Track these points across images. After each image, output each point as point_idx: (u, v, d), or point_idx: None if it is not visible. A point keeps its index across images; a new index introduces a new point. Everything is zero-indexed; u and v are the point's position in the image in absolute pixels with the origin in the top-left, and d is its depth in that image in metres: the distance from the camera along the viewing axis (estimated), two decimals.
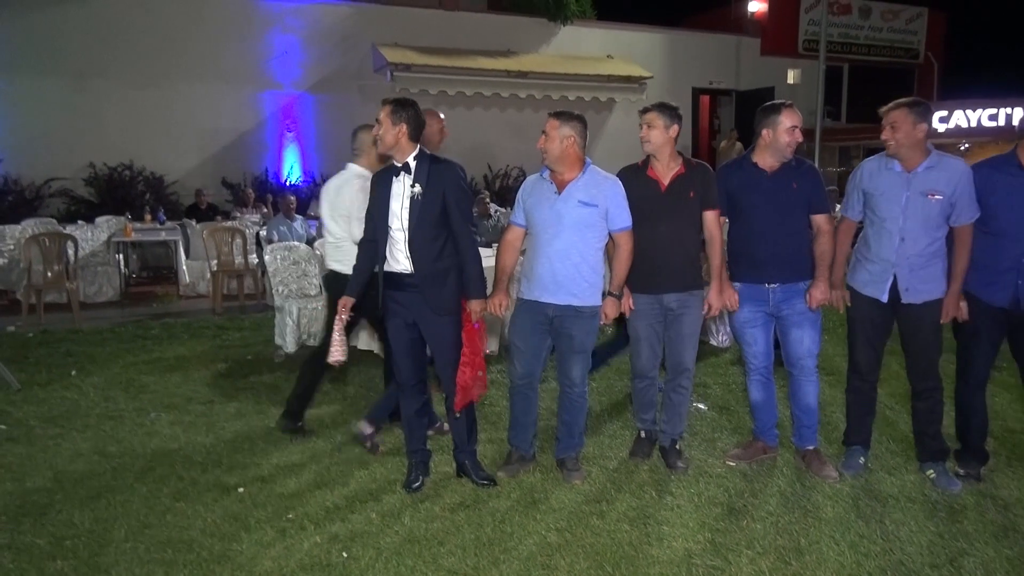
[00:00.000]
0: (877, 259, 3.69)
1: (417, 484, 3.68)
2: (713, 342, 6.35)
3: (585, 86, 14.04)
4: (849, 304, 3.81)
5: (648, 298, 3.77)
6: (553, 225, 3.56)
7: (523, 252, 3.87)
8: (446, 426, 4.09)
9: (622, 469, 3.93)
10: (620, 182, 3.67)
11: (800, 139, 3.68)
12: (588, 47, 15.20)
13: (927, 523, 3.36)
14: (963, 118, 16.02)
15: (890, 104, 3.63)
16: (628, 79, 14.38)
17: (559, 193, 3.56)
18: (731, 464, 3.97)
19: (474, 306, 3.55)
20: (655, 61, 15.56)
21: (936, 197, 3.54)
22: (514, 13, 15.10)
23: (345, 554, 3.08)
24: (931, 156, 3.59)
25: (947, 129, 16.18)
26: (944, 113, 16.18)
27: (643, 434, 4.10)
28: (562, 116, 3.57)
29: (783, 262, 3.72)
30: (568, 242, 3.55)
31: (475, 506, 3.50)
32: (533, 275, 3.64)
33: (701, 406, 4.89)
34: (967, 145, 16.42)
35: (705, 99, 17.31)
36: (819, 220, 3.75)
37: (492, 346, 5.72)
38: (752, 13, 17.25)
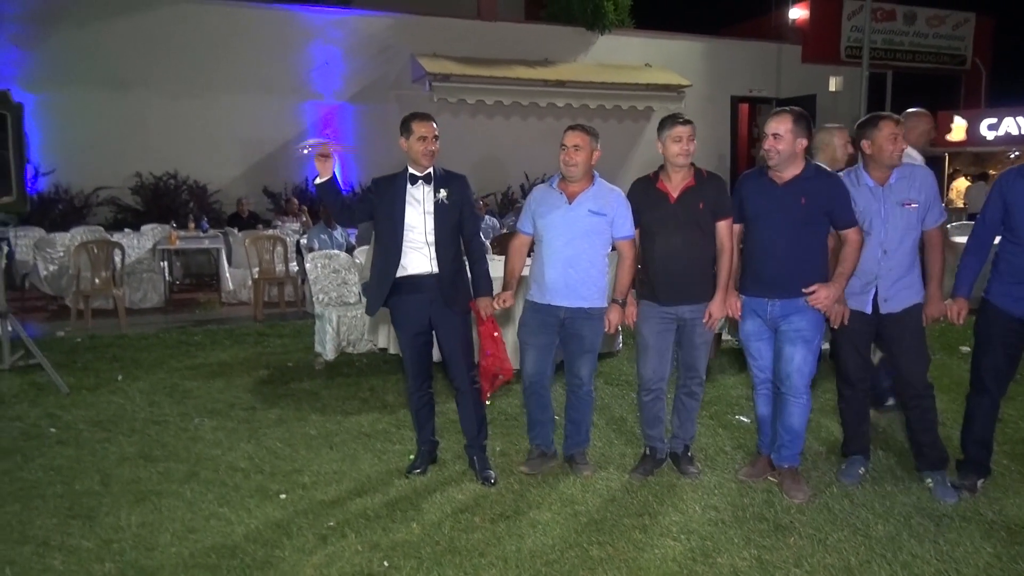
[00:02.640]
0: (860, 272, 3.62)
1: (420, 470, 3.95)
2: None
3: (623, 95, 13.99)
4: (846, 322, 3.68)
5: (659, 308, 3.77)
6: (565, 232, 3.72)
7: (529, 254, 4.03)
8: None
9: (664, 482, 3.87)
10: (623, 193, 3.80)
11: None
12: (626, 56, 15.15)
13: (984, 544, 3.24)
14: (1013, 125, 15.60)
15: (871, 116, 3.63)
16: (666, 87, 14.30)
17: (570, 203, 3.73)
18: (744, 481, 3.87)
19: (483, 302, 3.77)
20: (694, 69, 15.44)
21: (912, 206, 3.55)
22: (552, 23, 15.12)
23: (386, 563, 3.07)
24: (899, 168, 3.58)
25: (996, 137, 15.78)
26: (993, 120, 15.79)
27: (647, 451, 4.03)
28: (589, 130, 3.75)
29: (787, 280, 3.57)
30: (579, 248, 3.71)
31: (515, 517, 3.48)
32: (545, 280, 3.77)
33: (744, 419, 4.80)
34: (1017, 152, 15.98)
35: (744, 107, 17.12)
36: (846, 234, 3.54)
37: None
38: (793, 20, 17.03)
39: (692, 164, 3.75)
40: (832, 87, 16.00)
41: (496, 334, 3.78)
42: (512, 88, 13.33)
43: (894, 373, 3.82)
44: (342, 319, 5.90)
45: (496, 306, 3.79)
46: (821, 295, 3.53)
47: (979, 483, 3.72)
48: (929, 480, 3.75)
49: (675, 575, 3.01)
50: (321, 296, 6.19)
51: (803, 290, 3.54)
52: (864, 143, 3.60)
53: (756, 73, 16.62)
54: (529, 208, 3.88)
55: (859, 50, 14.90)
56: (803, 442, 3.82)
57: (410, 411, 4.07)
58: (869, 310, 3.65)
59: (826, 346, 6.24)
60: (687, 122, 3.67)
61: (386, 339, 5.51)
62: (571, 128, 3.76)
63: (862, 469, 3.87)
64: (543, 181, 3.94)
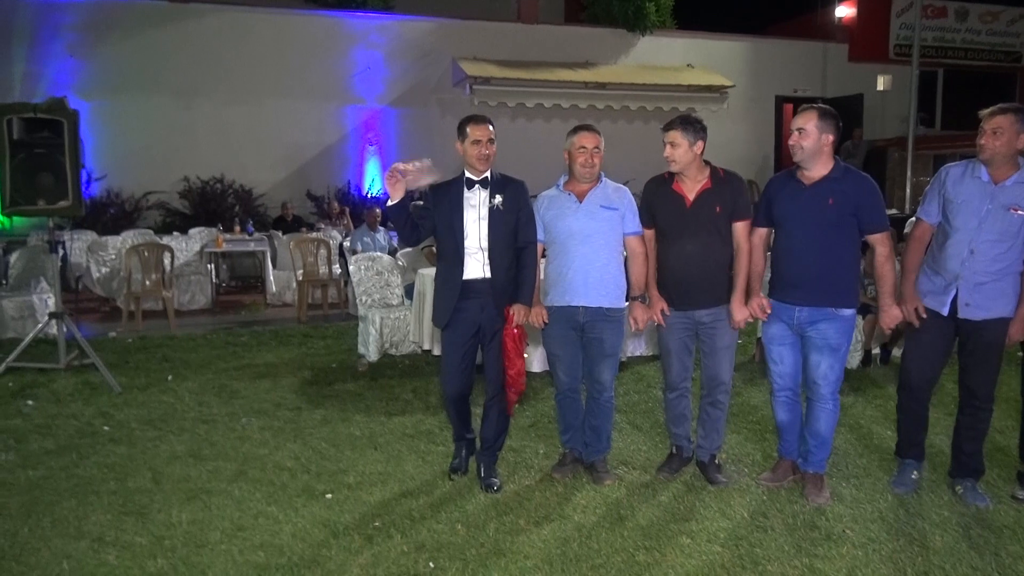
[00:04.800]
0: (942, 270, 3.51)
1: (463, 470, 3.94)
2: None
3: (664, 96, 13.83)
4: (925, 316, 3.57)
5: (679, 313, 3.74)
6: (580, 231, 3.71)
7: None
8: None
9: (711, 488, 3.81)
10: (628, 190, 3.82)
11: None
12: (668, 57, 15.01)
13: None
14: None
15: (994, 107, 3.41)
16: (709, 88, 14.11)
17: (581, 202, 3.72)
18: (765, 486, 3.82)
19: (520, 309, 3.67)
20: (737, 69, 15.23)
21: (1019, 212, 3.36)
22: (593, 25, 15.06)
23: (432, 564, 3.07)
24: (1022, 170, 3.40)
25: None
26: None
27: (674, 450, 4.02)
28: (598, 131, 3.72)
29: (812, 285, 3.49)
30: (596, 246, 3.70)
31: (560, 520, 3.45)
32: (564, 281, 3.74)
33: None
34: None
35: (789, 107, 16.81)
36: (873, 240, 3.51)
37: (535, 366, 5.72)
38: (840, 19, 16.68)
39: (708, 164, 3.70)
40: (880, 86, 15.60)
41: (521, 346, 3.70)
42: (553, 91, 13.29)
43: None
44: (385, 321, 5.94)
45: (534, 321, 3.71)
46: (887, 322, 3.50)
47: None
48: (959, 487, 3.67)
49: None
50: (364, 298, 6.24)
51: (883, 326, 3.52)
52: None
53: (801, 73, 16.32)
54: (538, 214, 3.82)
55: (908, 48, 14.52)
56: (830, 449, 3.76)
57: (448, 417, 4.04)
58: (946, 311, 3.51)
59: (876, 350, 6.15)
60: (668, 127, 3.64)
61: (430, 341, 5.53)
62: (584, 129, 3.72)
63: (915, 474, 3.75)
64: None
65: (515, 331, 3.68)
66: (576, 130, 3.74)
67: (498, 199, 3.66)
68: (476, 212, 3.66)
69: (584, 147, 3.68)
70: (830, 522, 3.43)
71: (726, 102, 14.03)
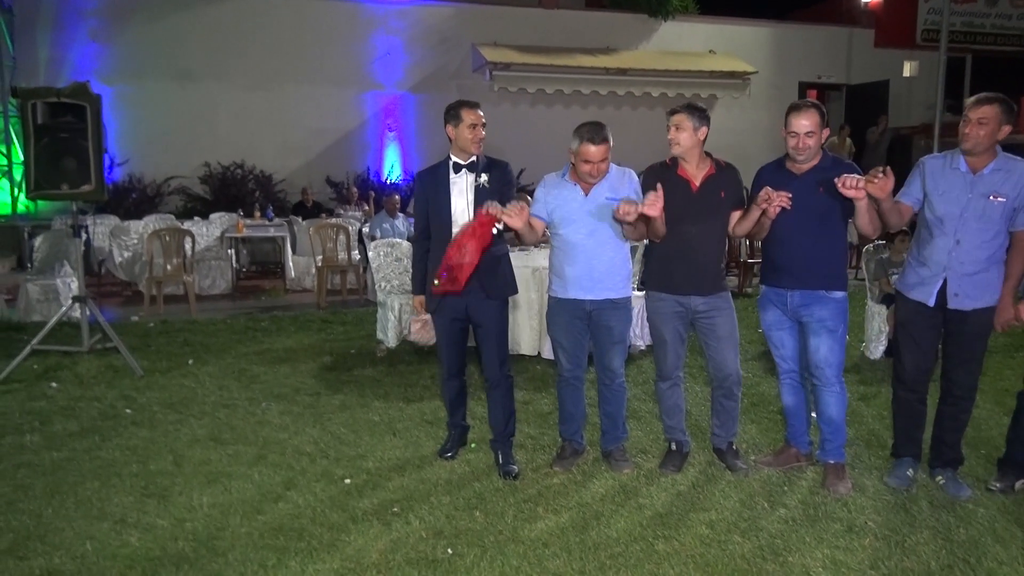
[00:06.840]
0: (929, 261, 3.50)
1: (451, 454, 4.01)
2: None
3: (685, 82, 13.67)
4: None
5: (673, 299, 3.70)
6: (585, 225, 3.64)
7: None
8: None
9: (730, 478, 3.78)
10: (634, 172, 3.76)
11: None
12: (690, 43, 14.83)
13: None
14: None
15: (980, 96, 3.38)
16: (731, 75, 13.94)
17: (586, 195, 3.64)
18: (763, 469, 3.85)
19: (491, 203, 3.39)
20: (760, 55, 15.02)
21: (999, 199, 3.35)
22: (614, 10, 14.90)
23: (450, 551, 3.08)
24: (999, 158, 3.40)
25: None
26: None
27: (673, 446, 3.94)
28: (606, 138, 3.56)
29: (802, 269, 3.56)
30: (601, 239, 3.65)
31: (579, 508, 3.44)
32: (568, 275, 3.70)
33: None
34: None
35: (812, 94, 16.56)
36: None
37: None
38: (866, 3, 16.37)
39: (708, 154, 3.68)
40: (907, 72, 15.31)
41: (483, 237, 3.31)
42: (573, 77, 13.18)
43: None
44: (404, 307, 5.94)
45: (509, 219, 3.33)
46: (861, 183, 3.21)
47: (1017, 484, 3.60)
48: (940, 477, 3.66)
49: (744, 573, 2.93)
50: (383, 284, 6.24)
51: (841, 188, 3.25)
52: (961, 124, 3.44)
53: (825, 59, 16.05)
54: (543, 198, 3.73)
55: (936, 33, 14.23)
56: (845, 435, 3.74)
57: (443, 399, 4.10)
58: (932, 303, 3.50)
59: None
60: (674, 111, 3.63)
61: None
62: (590, 142, 3.50)
63: (911, 471, 3.71)
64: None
65: (486, 222, 3.33)
66: (582, 139, 3.52)
67: (484, 177, 3.66)
68: (464, 198, 3.68)
69: (590, 160, 3.54)
70: (852, 513, 3.40)
71: (748, 89, 13.86)
